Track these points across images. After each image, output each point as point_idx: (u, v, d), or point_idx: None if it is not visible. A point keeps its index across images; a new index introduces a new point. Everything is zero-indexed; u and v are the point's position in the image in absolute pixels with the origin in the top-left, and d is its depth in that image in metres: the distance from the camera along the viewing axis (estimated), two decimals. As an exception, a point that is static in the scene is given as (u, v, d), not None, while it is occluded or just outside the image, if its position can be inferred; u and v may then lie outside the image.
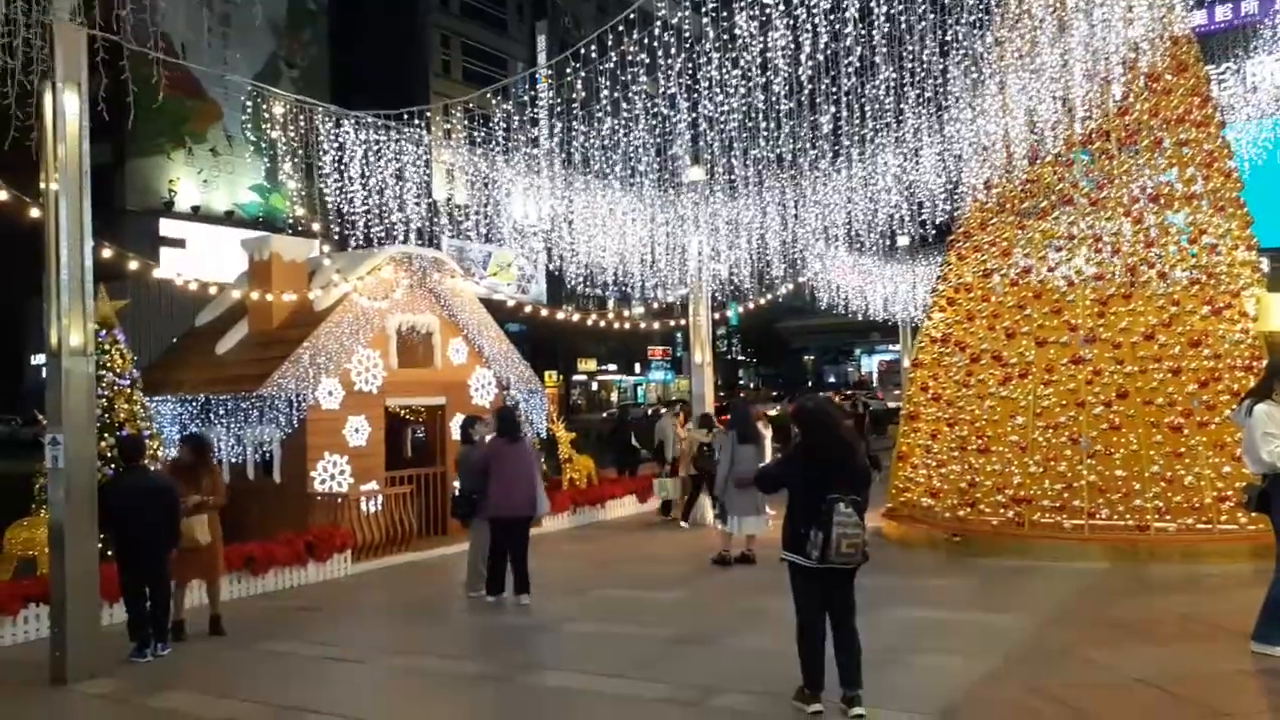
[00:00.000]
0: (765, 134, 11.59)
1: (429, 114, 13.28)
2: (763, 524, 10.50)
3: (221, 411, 11.80)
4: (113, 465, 10.27)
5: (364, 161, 12.61)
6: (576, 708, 6.12)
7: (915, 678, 6.39)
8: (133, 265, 10.08)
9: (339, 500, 11.52)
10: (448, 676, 6.90)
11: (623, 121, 12.36)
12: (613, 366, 53.65)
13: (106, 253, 9.25)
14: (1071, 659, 6.59)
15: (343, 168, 12.50)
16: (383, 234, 13.42)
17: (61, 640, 7.13)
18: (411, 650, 7.64)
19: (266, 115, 12.20)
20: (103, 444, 10.23)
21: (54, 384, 7.26)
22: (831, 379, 69.04)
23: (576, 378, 50.24)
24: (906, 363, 27.69)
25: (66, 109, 7.30)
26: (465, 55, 47.89)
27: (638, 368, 56.06)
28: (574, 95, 12.25)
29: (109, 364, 10.59)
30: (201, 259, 33.07)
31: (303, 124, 11.92)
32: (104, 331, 10.62)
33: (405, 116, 12.23)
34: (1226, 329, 10.44)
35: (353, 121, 11.32)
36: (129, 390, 10.66)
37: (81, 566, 7.23)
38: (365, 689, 6.76)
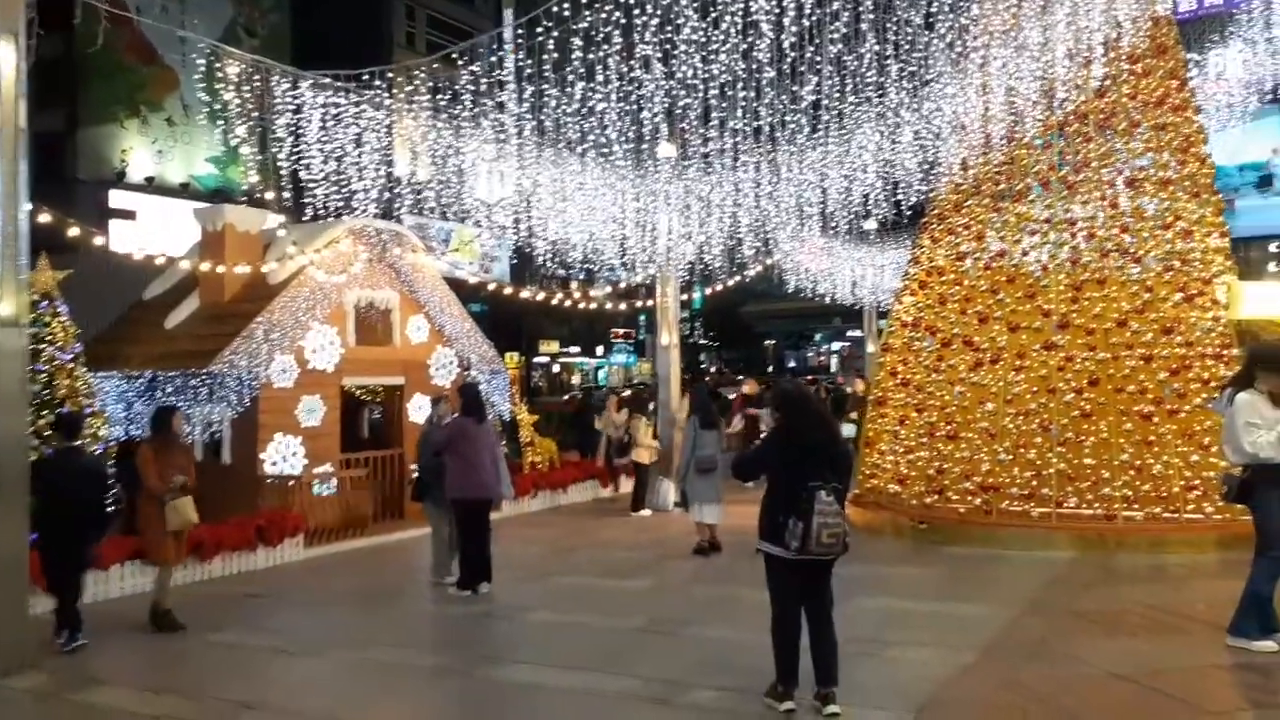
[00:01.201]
0: (738, 109, 11.28)
1: (391, 86, 12.80)
2: (722, 512, 10.29)
3: (169, 389, 11.32)
4: (51, 444, 9.82)
5: (323, 128, 12.13)
6: (537, 704, 5.84)
7: (888, 672, 6.19)
8: (73, 232, 9.57)
9: (291, 483, 11.13)
10: (403, 670, 6.58)
11: (591, 96, 11.98)
12: (575, 348, 53.20)
13: (45, 218, 8.77)
14: (1045, 652, 6.43)
15: (300, 135, 12.01)
16: (342, 206, 12.95)
17: (-11, 631, 6.72)
18: (364, 641, 7.30)
19: (221, 77, 11.67)
20: (41, 421, 9.79)
21: (-18, 357, 6.81)
22: (792, 363, 69.13)
23: (538, 359, 49.73)
24: (871, 348, 27.66)
25: (1, 62, 6.82)
26: (430, 28, 47.04)
27: (600, 350, 55.67)
28: (541, 69, 11.84)
29: (49, 337, 10.08)
30: (154, 232, 32.10)
31: (259, 88, 11.42)
32: (45, 303, 10.12)
33: (365, 81, 11.75)
34: (1198, 316, 10.35)
35: (310, 84, 10.81)
36: (70, 365, 10.17)
37: (10, 552, 6.81)
38: (314, 683, 6.43)
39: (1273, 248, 27.55)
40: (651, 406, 15.71)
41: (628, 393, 21.27)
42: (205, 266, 11.79)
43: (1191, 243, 10.61)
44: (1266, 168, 28.74)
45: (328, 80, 11.88)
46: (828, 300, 24.70)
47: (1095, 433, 10.20)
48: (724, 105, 11.41)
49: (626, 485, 15.04)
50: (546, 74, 11.66)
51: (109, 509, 8.22)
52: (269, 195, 10.75)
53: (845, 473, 5.52)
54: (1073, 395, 10.30)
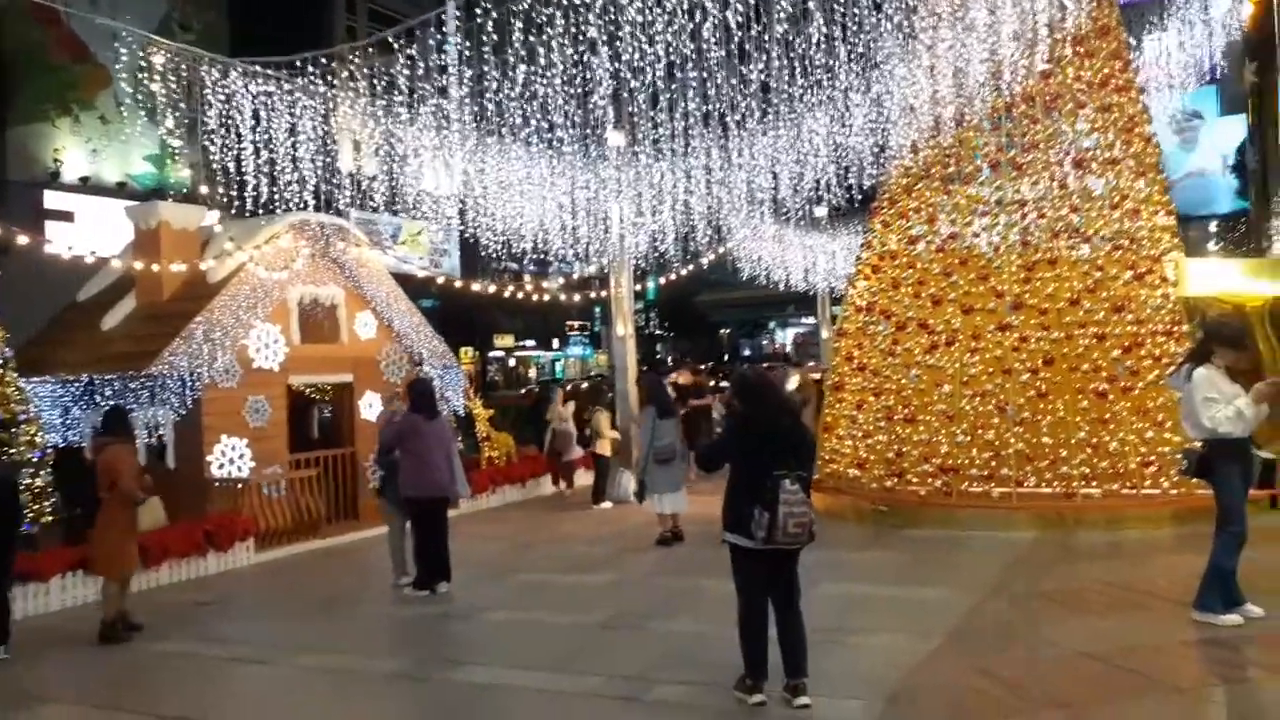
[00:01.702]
0: (686, 92, 11.13)
1: (330, 74, 12.45)
2: (682, 501, 10.18)
3: (108, 392, 10.89)
4: (-15, 453, 9.40)
5: (260, 121, 11.76)
6: (499, 706, 5.66)
7: (855, 660, 6.11)
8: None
9: (239, 485, 10.79)
10: (358, 676, 6.35)
11: (535, 81, 11.74)
12: (531, 342, 52.81)
13: None
14: (1012, 635, 6.40)
15: (238, 128, 11.64)
16: (285, 203, 12.59)
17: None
18: (318, 647, 7.06)
19: (152, 72, 11.25)
20: (-30, 431, 9.37)
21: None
22: (747, 352, 69.40)
23: (493, 354, 49.29)
24: (826, 334, 27.76)
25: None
26: (372, 21, 46.30)
27: (556, 343, 55.34)
28: (481, 54, 11.57)
29: (-25, 342, 9.67)
30: (92, 233, 31.20)
31: (191, 80, 11.03)
32: (-30, 306, 9.70)
33: (301, 69, 11.41)
34: (1148, 294, 10.43)
35: (242, 72, 10.45)
36: (1, 371, 9.75)
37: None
38: (265, 693, 6.18)
39: (1212, 227, 28.12)
40: (610, 396, 15.55)
41: (585, 385, 21.05)
42: (139, 265, 11.36)
43: (1139, 221, 10.70)
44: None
45: (262, 70, 11.53)
46: (781, 288, 24.69)
47: (1052, 412, 10.26)
48: (671, 89, 11.25)
49: (582, 479, 14.86)
50: (488, 59, 11.41)
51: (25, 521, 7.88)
52: (204, 190, 10.38)
53: (809, 460, 5.40)
54: (1028, 375, 10.34)
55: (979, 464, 10.41)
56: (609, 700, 5.59)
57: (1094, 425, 10.12)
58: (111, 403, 10.48)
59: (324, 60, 12.24)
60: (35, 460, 9.71)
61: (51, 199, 37.76)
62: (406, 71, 11.70)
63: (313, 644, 7.16)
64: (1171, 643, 6.05)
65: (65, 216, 36.96)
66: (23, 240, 9.26)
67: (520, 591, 8.69)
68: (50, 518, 9.72)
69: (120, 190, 38.12)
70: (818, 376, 16.63)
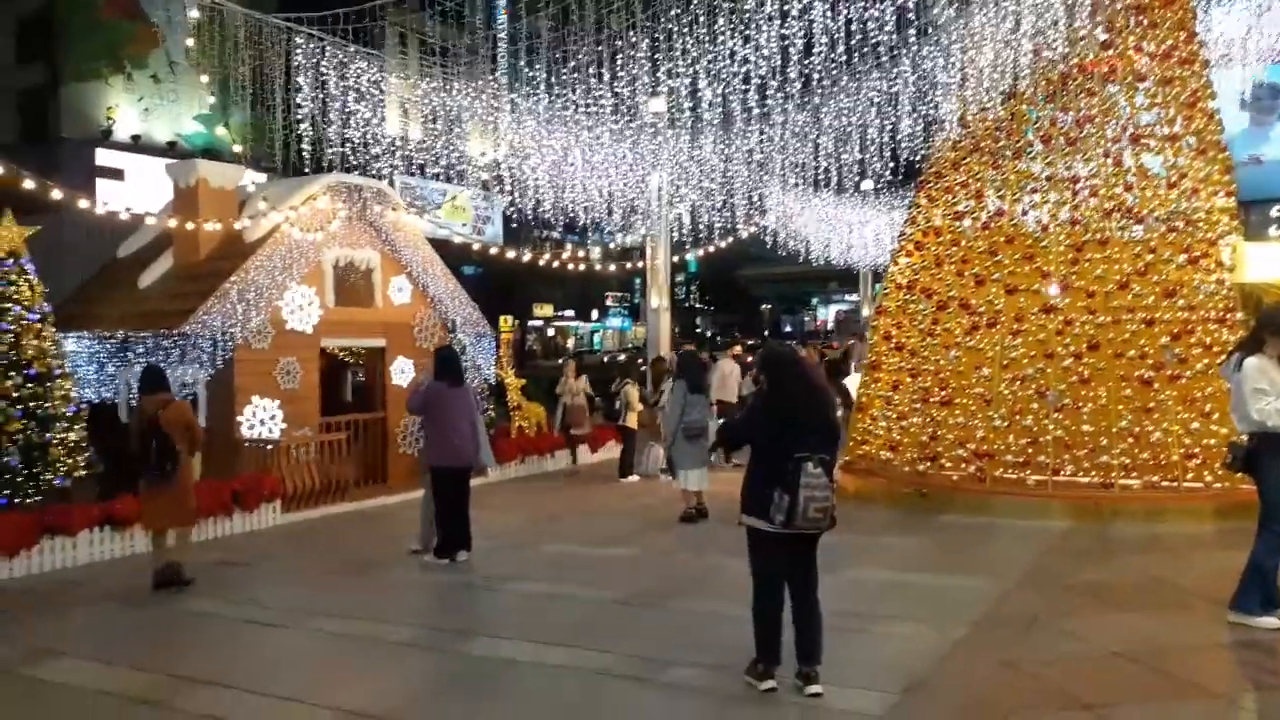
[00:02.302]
0: (734, 63, 10.86)
1: (383, 46, 12.37)
2: (706, 478, 10.03)
3: (141, 350, 10.99)
4: (19, 405, 9.51)
5: (312, 82, 11.74)
6: (510, 680, 5.58)
7: (875, 647, 5.94)
8: (28, 185, 9.18)
9: (268, 446, 10.84)
10: (372, 643, 6.31)
11: (587, 52, 11.56)
12: (570, 312, 52.84)
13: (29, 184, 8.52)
14: (1042, 628, 6.17)
15: (289, 89, 11.64)
16: (331, 166, 12.57)
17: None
18: (336, 612, 7.04)
19: (205, 31, 11.26)
20: (8, 382, 9.47)
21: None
22: (789, 328, 68.87)
23: (533, 323, 49.39)
24: (868, 311, 27.33)
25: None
26: (422, -17, 46.23)
27: (595, 314, 55.31)
28: (537, 24, 11.43)
29: (15, 296, 9.75)
30: (141, 191, 31.60)
31: (244, 39, 11.03)
32: (11, 261, 9.77)
33: (356, 39, 11.33)
34: (1202, 279, 10.02)
35: (283, 30, 10.37)
36: (38, 325, 9.83)
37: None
38: (279, 658, 6.16)
39: (1274, 211, 27.09)
40: (643, 369, 15.42)
41: (622, 357, 20.84)
42: (173, 223, 11.39)
43: (1196, 202, 10.26)
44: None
45: (307, 29, 11.47)
46: (823, 264, 24.29)
47: (1094, 399, 9.92)
48: (718, 60, 10.99)
49: (600, 454, 14.76)
50: (538, 29, 11.27)
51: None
52: (236, 149, 10.39)
53: (833, 443, 5.19)
54: (1071, 360, 10.00)
55: (1015, 450, 10.12)
56: (620, 679, 5.48)
57: (1137, 414, 9.78)
58: (147, 361, 10.58)
59: (368, 20, 12.16)
60: (69, 415, 9.81)
61: (103, 156, 38.31)
62: (451, 33, 11.57)
63: (331, 609, 7.14)
64: (1205, 643, 5.80)
65: (116, 174, 37.50)
66: (57, 195, 9.21)
67: (541, 563, 8.61)
68: (84, 472, 9.82)
69: (170, 149, 38.54)
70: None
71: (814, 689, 5.03)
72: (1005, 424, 10.21)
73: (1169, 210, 10.19)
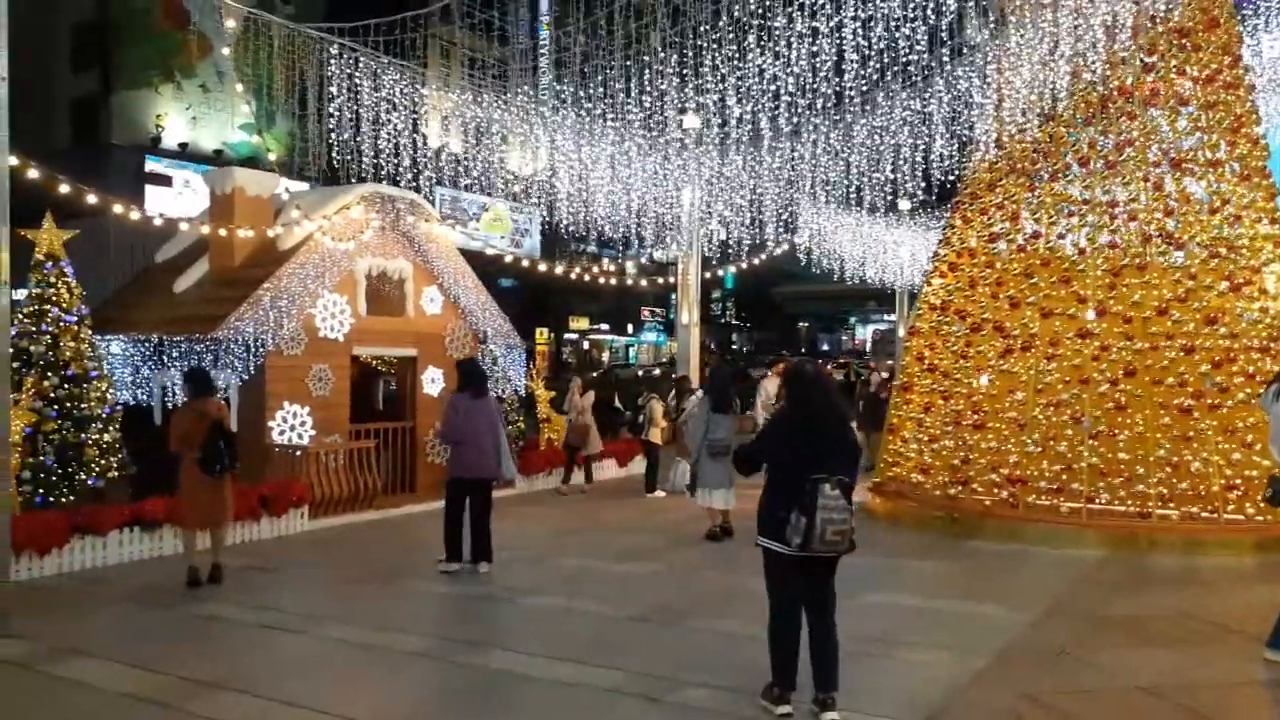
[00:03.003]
0: (767, 82, 10.82)
1: (423, 59, 12.50)
2: (732, 497, 9.93)
3: (175, 354, 11.12)
4: (55, 406, 9.66)
5: (352, 93, 11.87)
6: (518, 695, 5.53)
7: (897, 676, 5.81)
8: (91, 198, 9.35)
9: (297, 452, 10.91)
10: (382, 652, 6.29)
11: (625, 70, 11.60)
12: (605, 326, 52.90)
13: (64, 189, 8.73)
14: (1069, 660, 6.01)
15: (330, 100, 11.78)
16: (372, 177, 12.70)
17: (-34, 597, 6.55)
18: (351, 619, 7.04)
19: (242, 38, 11.44)
20: (45, 383, 9.64)
21: (-36, 316, 6.59)
22: (825, 346, 68.41)
23: (568, 336, 49.49)
24: (902, 332, 27.05)
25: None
26: (467, -2, 46.66)
27: (630, 328, 55.30)
28: (575, 42, 11.50)
29: (55, 298, 9.93)
30: (187, 198, 32.17)
31: (291, 53, 11.19)
32: (50, 263, 9.96)
33: (396, 51, 11.45)
34: (1245, 306, 9.80)
35: (324, 41, 10.49)
36: (76, 327, 10.00)
37: (-10, 516, 6.62)
38: (291, 664, 6.16)
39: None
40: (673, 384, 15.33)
41: (656, 372, 20.72)
42: (206, 230, 11.55)
43: (1239, 228, 10.04)
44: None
45: (349, 42, 11.61)
46: (859, 282, 24.11)
47: (1130, 426, 9.71)
48: (751, 77, 10.95)
49: (605, 471, 14.63)
50: (579, 49, 11.34)
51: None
52: (271, 158, 10.53)
53: (851, 465, 5.08)
54: (1107, 386, 9.81)
55: (1049, 476, 9.93)
56: (630, 698, 5.40)
57: (1175, 443, 9.55)
58: (188, 365, 10.73)
59: (411, 32, 12.29)
60: (105, 416, 9.95)
61: (152, 163, 39.01)
62: (492, 48, 11.68)
63: (349, 617, 7.15)
64: (1240, 682, 5.62)
65: (164, 181, 38.23)
66: (92, 200, 9.37)
67: (560, 577, 8.56)
68: (116, 473, 9.95)
69: (217, 157, 39.24)
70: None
71: (831, 716, 4.92)
72: (1039, 449, 10.02)
73: (1211, 236, 9.98)
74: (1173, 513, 9.53)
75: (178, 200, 32.89)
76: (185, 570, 8.03)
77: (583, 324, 50.93)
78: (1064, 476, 9.88)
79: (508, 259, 25.79)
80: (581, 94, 12.57)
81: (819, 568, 5.03)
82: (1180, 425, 9.58)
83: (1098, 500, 9.79)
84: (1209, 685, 5.53)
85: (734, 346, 62.07)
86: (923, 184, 13.03)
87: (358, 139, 12.29)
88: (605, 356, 53.12)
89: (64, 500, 9.31)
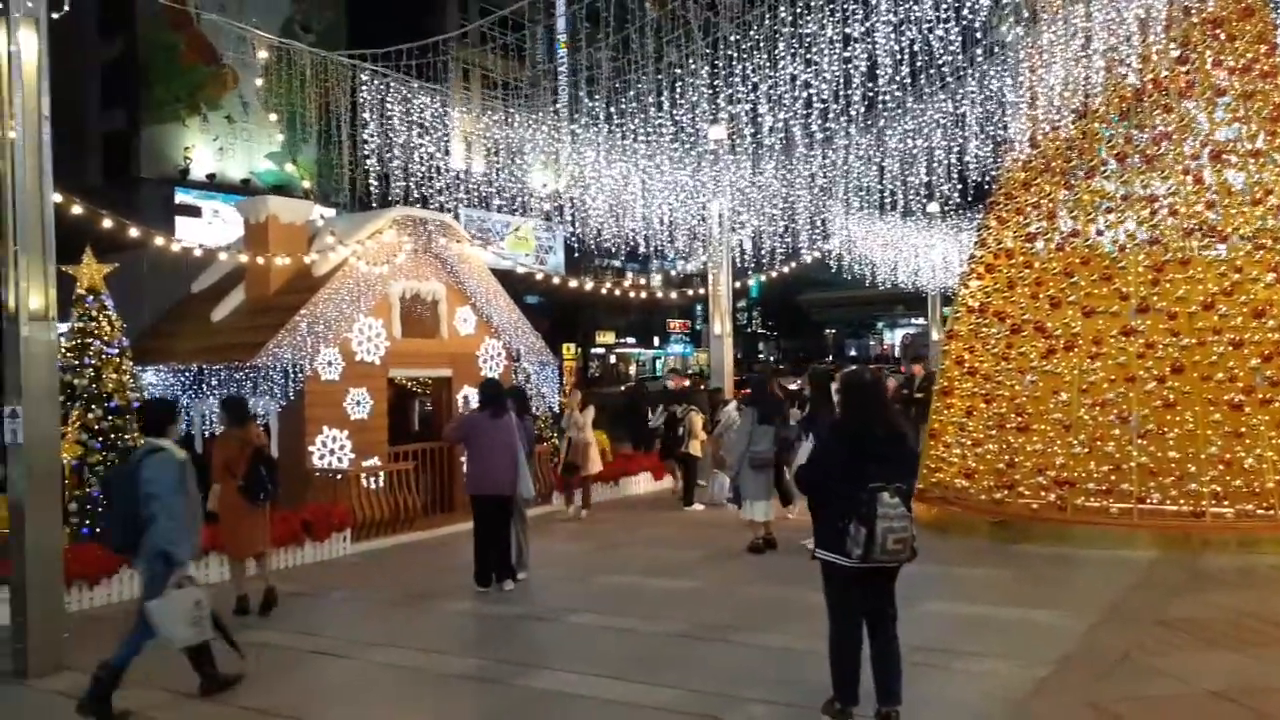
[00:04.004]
0: (795, 87, 10.76)
1: (448, 83, 12.58)
2: (772, 509, 9.84)
3: (215, 382, 11.22)
4: (100, 438, 9.76)
5: (378, 118, 11.96)
6: (567, 715, 5.48)
7: (956, 686, 5.69)
8: (132, 231, 9.46)
9: (338, 476, 10.94)
10: (429, 675, 6.27)
11: (643, 84, 11.60)
12: (632, 339, 52.97)
13: (107, 223, 8.87)
14: (1132, 666, 5.87)
15: (355, 125, 11.88)
16: (399, 200, 12.78)
17: (22, 631, 6.59)
18: (396, 643, 7.03)
19: (267, 68, 11.58)
20: (90, 415, 9.74)
21: (12, 353, 6.66)
22: (853, 352, 68.06)
23: (595, 350, 49.59)
24: (936, 335, 26.80)
25: (23, 49, 6.65)
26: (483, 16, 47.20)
27: (656, 341, 55.33)
28: (592, 58, 11.53)
29: (97, 332, 10.06)
30: (216, 228, 32.64)
31: (316, 80, 11.31)
32: (91, 297, 10.08)
33: (420, 74, 11.53)
34: (1293, 298, 9.59)
35: (347, 67, 10.58)
36: (117, 359, 10.11)
37: (44, 547, 6.66)
38: (342, 689, 6.14)
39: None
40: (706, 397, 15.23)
41: (686, 383, 20.48)
42: (244, 258, 11.65)
43: (1285, 219, 9.83)
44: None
45: (371, 67, 11.70)
46: (889, 287, 23.93)
47: (1180, 424, 9.52)
48: (779, 83, 10.90)
49: (638, 486, 14.48)
50: (599, 62, 11.36)
51: None
52: (306, 185, 10.63)
53: (910, 471, 5.01)
54: (1154, 384, 9.62)
55: (1097, 478, 9.75)
56: (685, 716, 5.33)
57: (1227, 439, 9.35)
58: (227, 393, 10.82)
59: (431, 55, 12.38)
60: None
61: (181, 195, 39.57)
62: (512, 67, 11.72)
63: (392, 639, 7.13)
64: (1314, 685, 5.45)
65: (194, 211, 38.75)
66: (134, 233, 9.48)
67: (603, 594, 8.50)
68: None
69: (244, 187, 39.70)
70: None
71: None
72: (1086, 450, 9.85)
73: (1255, 228, 9.79)
74: (1227, 511, 9.33)
75: (208, 230, 33.36)
76: (233, 600, 8.04)
77: (609, 338, 51.02)
78: (1113, 477, 9.70)
79: (539, 276, 25.89)
80: (605, 109, 12.59)
81: (879, 578, 4.93)
82: (1231, 421, 9.38)
83: (1149, 500, 9.60)
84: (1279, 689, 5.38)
85: (760, 356, 61.87)
86: (956, 186, 12.89)
87: (386, 163, 12.37)
88: (632, 370, 53.10)
89: (111, 531, 9.39)
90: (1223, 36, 10.23)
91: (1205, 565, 8.59)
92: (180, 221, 34.56)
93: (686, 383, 15.96)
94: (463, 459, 12.48)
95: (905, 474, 4.91)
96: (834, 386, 6.17)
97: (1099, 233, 10.31)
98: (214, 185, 38.90)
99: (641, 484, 14.99)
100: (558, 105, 13.26)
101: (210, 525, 8.98)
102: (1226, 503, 9.33)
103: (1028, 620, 7.04)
